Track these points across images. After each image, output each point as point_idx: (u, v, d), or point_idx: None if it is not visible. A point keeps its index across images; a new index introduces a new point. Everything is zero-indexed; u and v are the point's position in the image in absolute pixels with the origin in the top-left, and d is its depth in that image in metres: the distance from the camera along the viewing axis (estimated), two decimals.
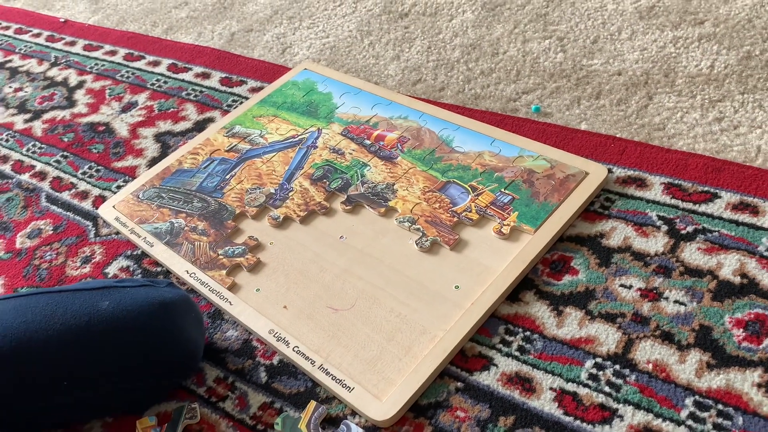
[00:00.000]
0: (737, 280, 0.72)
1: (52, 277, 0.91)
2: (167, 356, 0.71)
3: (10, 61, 1.42)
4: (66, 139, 1.16)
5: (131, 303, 0.70)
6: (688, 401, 0.64)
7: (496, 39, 1.13)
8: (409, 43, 1.17)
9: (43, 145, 1.16)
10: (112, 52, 1.36)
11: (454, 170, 0.90)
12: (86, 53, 1.37)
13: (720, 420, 0.62)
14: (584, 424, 0.64)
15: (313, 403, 0.70)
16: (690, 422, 0.62)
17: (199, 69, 1.24)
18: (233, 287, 0.83)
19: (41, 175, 1.10)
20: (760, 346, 0.66)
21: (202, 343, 0.76)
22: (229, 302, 0.81)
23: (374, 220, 0.87)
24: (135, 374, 0.70)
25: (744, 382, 0.64)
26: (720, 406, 0.63)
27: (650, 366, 0.67)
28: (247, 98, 1.14)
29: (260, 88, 1.15)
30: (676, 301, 0.71)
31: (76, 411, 0.72)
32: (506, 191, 0.85)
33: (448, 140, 0.94)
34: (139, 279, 0.82)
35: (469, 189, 0.87)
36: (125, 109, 1.19)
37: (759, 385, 0.63)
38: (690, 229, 0.77)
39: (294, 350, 0.75)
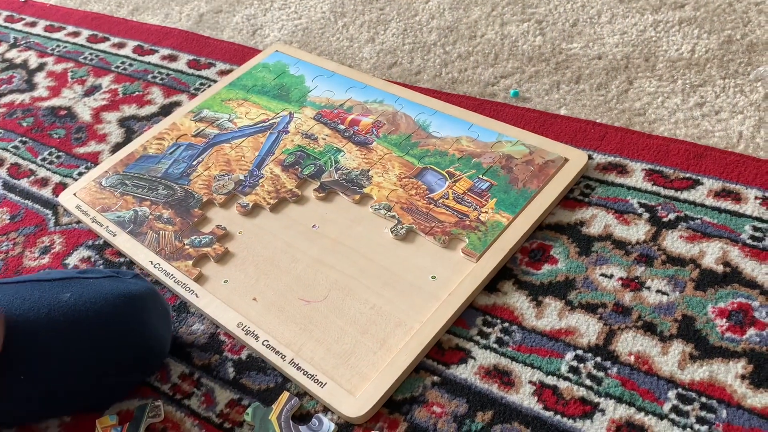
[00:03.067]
0: (720, 268, 0.70)
1: (9, 269, 0.87)
2: (132, 352, 0.68)
3: None
4: (25, 124, 1.10)
5: (94, 295, 0.66)
6: (671, 394, 0.62)
7: (474, 21, 1.10)
8: (385, 25, 1.14)
9: (0, 130, 1.10)
10: (75, 34, 1.30)
11: (431, 156, 0.87)
12: (47, 34, 1.31)
13: (703, 413, 0.60)
14: (565, 419, 0.62)
15: (286, 394, 0.67)
16: (673, 416, 0.60)
17: (165, 51, 1.19)
18: (200, 278, 0.79)
19: None
20: (744, 337, 0.64)
21: (168, 338, 0.72)
22: (196, 294, 0.78)
23: (348, 207, 0.84)
24: (97, 371, 0.66)
25: (727, 373, 0.62)
26: (703, 399, 0.61)
27: (632, 358, 0.65)
28: (215, 81, 1.09)
29: (229, 71, 1.11)
30: (658, 291, 0.69)
31: (33, 409, 0.68)
32: (484, 177, 0.83)
33: (424, 125, 0.91)
34: (104, 270, 0.78)
35: (447, 175, 0.84)
36: (88, 93, 1.14)
37: (743, 377, 0.62)
38: (672, 216, 0.76)
39: (263, 344, 0.72)
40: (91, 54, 1.23)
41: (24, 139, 1.07)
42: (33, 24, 1.36)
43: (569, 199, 0.80)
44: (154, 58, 1.18)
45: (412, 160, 0.87)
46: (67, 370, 0.65)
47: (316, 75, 1.04)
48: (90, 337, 0.65)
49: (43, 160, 1.03)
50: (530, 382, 0.65)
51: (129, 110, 1.08)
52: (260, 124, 0.98)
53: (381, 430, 0.64)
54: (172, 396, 0.71)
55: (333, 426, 0.65)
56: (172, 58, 1.17)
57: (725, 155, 0.80)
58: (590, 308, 0.69)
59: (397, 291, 0.74)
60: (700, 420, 0.60)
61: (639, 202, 0.78)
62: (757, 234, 0.72)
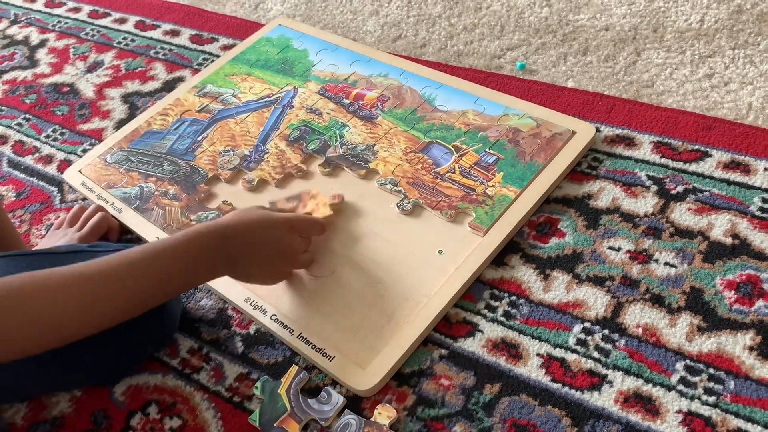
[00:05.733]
0: (728, 240, 0.70)
1: None
2: (141, 325, 0.68)
3: None
4: (28, 101, 1.10)
5: None
6: (679, 366, 0.62)
7: None
8: None
9: (3, 107, 1.10)
10: (76, 9, 1.29)
11: (437, 130, 0.86)
12: (48, 10, 1.30)
13: (711, 384, 0.60)
14: (573, 391, 0.62)
15: (294, 368, 0.68)
16: (681, 387, 0.61)
17: (168, 26, 1.18)
18: None
19: (2, 139, 1.04)
20: (752, 309, 0.64)
21: (178, 313, 0.73)
22: None
23: (354, 182, 0.84)
24: (106, 343, 0.66)
25: (735, 345, 0.62)
26: (711, 370, 0.61)
27: (640, 330, 0.65)
28: (218, 56, 1.08)
29: (232, 46, 1.10)
30: (666, 263, 0.69)
31: (42, 381, 0.69)
32: (491, 151, 0.82)
33: (430, 99, 0.90)
34: (113, 244, 0.78)
35: (453, 149, 0.83)
36: (90, 69, 1.13)
37: (751, 348, 0.62)
38: (680, 188, 0.75)
39: (271, 318, 0.72)
40: (92, 30, 1.22)
41: (27, 116, 1.07)
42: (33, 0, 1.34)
43: (577, 172, 0.80)
44: (156, 34, 1.17)
45: (418, 135, 0.86)
46: (77, 342, 0.65)
47: (320, 49, 1.03)
48: None
49: (47, 137, 1.02)
50: (538, 354, 0.65)
51: (132, 86, 1.08)
52: (264, 99, 0.97)
53: (389, 402, 0.65)
54: (181, 371, 0.71)
55: (342, 399, 0.65)
56: (175, 33, 1.16)
57: (734, 127, 0.80)
58: (598, 281, 0.69)
59: (404, 265, 0.74)
60: (708, 391, 0.60)
61: (647, 175, 0.77)
62: (766, 206, 0.71)
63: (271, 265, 0.71)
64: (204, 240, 0.64)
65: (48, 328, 0.57)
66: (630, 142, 0.81)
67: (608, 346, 0.65)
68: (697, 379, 0.61)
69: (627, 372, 0.62)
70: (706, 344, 0.63)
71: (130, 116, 1.02)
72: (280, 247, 0.70)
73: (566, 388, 0.63)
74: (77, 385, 0.71)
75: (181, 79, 1.06)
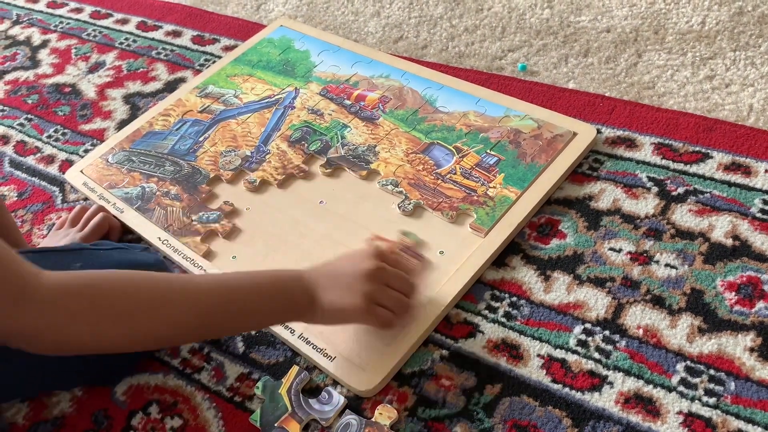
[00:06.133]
0: (729, 242, 0.70)
1: None
2: None
3: None
4: (30, 101, 1.10)
5: (104, 265, 0.66)
6: (680, 367, 0.62)
7: None
8: None
9: (5, 108, 1.10)
10: (78, 10, 1.29)
11: (438, 131, 0.86)
12: (50, 11, 1.30)
13: (712, 385, 0.60)
14: (573, 392, 0.62)
15: (295, 368, 0.68)
16: (681, 388, 0.61)
17: (169, 27, 1.18)
18: (208, 254, 0.80)
19: (4, 139, 1.04)
20: (753, 310, 0.64)
21: None
22: (204, 270, 0.78)
23: (355, 183, 0.84)
24: None
25: (736, 346, 0.62)
26: (712, 372, 0.61)
27: (640, 331, 0.65)
28: (220, 57, 1.09)
29: (234, 47, 1.10)
30: (666, 265, 0.69)
31: (44, 378, 0.69)
32: (492, 152, 0.82)
33: (431, 100, 0.91)
34: (114, 243, 0.78)
35: (454, 150, 0.83)
36: (92, 70, 1.13)
37: (751, 350, 0.62)
38: (681, 190, 0.75)
39: None
40: (94, 30, 1.22)
41: (29, 116, 1.07)
42: (35, 0, 1.34)
43: (578, 173, 0.80)
44: (157, 34, 1.17)
45: (419, 136, 0.86)
46: None
47: (322, 50, 1.03)
48: None
49: (49, 137, 1.02)
50: (539, 355, 0.65)
51: (134, 87, 1.08)
52: (266, 100, 0.97)
53: (390, 402, 0.65)
54: (182, 370, 0.71)
55: (342, 399, 0.65)
56: (176, 34, 1.16)
57: (735, 128, 0.80)
58: (599, 282, 0.69)
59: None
60: (709, 392, 0.60)
61: (648, 176, 0.77)
62: (767, 207, 0.71)
63: (354, 290, 0.63)
64: (287, 277, 0.64)
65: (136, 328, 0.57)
66: (631, 144, 0.81)
67: (609, 347, 0.65)
68: (697, 380, 0.61)
69: (627, 373, 0.63)
70: (707, 345, 0.63)
71: (132, 117, 1.02)
72: (363, 270, 0.63)
73: (567, 389, 0.63)
74: (77, 384, 0.72)
75: (182, 80, 1.06)
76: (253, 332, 0.73)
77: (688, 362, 0.62)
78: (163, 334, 0.59)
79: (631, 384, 0.62)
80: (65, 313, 0.53)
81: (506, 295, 0.71)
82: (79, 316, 0.54)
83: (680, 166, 0.77)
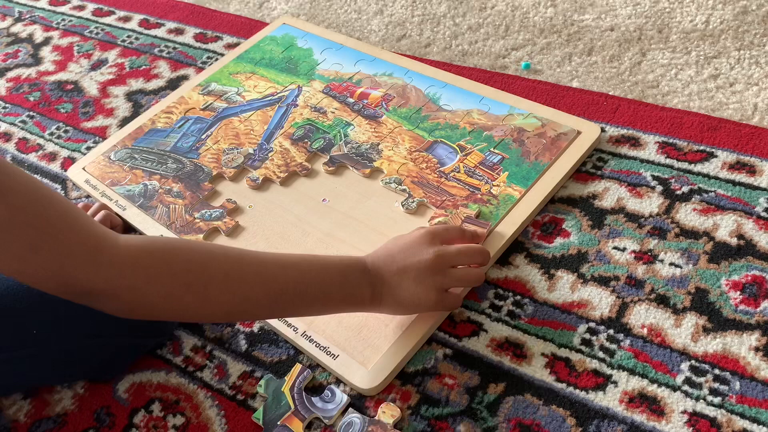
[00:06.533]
0: (734, 241, 0.69)
1: None
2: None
3: None
4: (32, 99, 1.10)
5: None
6: (684, 366, 0.62)
7: None
8: None
9: (7, 105, 1.10)
10: (80, 7, 1.29)
11: (442, 129, 0.86)
12: (52, 8, 1.30)
13: (716, 385, 0.60)
14: (577, 391, 0.62)
15: (298, 366, 0.68)
16: (686, 387, 0.60)
17: (172, 24, 1.18)
18: None
19: (6, 137, 1.04)
20: (758, 309, 0.64)
21: None
22: None
23: (358, 181, 0.84)
24: (108, 331, 0.66)
25: (741, 345, 0.62)
26: (716, 371, 0.61)
27: (645, 330, 0.65)
28: (222, 54, 1.08)
29: (237, 44, 1.10)
30: (671, 264, 0.69)
31: (44, 373, 0.69)
32: (496, 151, 0.82)
33: (434, 98, 0.90)
34: None
35: (458, 149, 0.83)
36: (95, 67, 1.13)
37: (756, 349, 0.62)
38: (685, 189, 0.75)
39: None
40: (96, 27, 1.22)
41: (31, 113, 1.07)
42: None
43: (582, 172, 0.79)
44: (160, 32, 1.17)
45: (423, 134, 0.86)
46: (79, 329, 0.65)
47: (325, 48, 1.03)
48: None
49: (51, 134, 1.02)
50: (542, 354, 0.65)
51: (136, 84, 1.07)
52: (269, 98, 0.97)
53: (393, 401, 0.64)
54: (184, 368, 0.71)
55: (345, 397, 0.65)
56: (179, 32, 1.16)
57: (740, 127, 0.79)
58: (603, 281, 0.69)
59: None
60: (713, 392, 0.60)
61: (652, 175, 0.77)
62: None
63: (423, 284, 0.63)
64: (355, 268, 0.64)
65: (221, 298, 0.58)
66: (635, 143, 0.81)
67: (613, 346, 0.64)
68: (702, 379, 0.61)
69: (632, 372, 0.62)
70: (712, 345, 0.63)
71: (134, 114, 1.02)
72: (425, 261, 0.64)
73: (571, 388, 0.62)
74: (77, 379, 0.71)
75: (185, 78, 1.06)
76: (255, 330, 0.72)
77: (693, 361, 0.62)
78: (234, 309, 0.60)
79: (635, 383, 0.62)
80: (142, 273, 0.54)
81: (510, 294, 0.70)
82: (154, 279, 0.55)
83: (685, 165, 0.77)
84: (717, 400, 0.59)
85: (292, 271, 0.61)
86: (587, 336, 0.66)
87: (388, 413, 0.63)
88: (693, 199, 0.74)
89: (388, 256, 0.65)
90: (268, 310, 0.63)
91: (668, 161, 0.78)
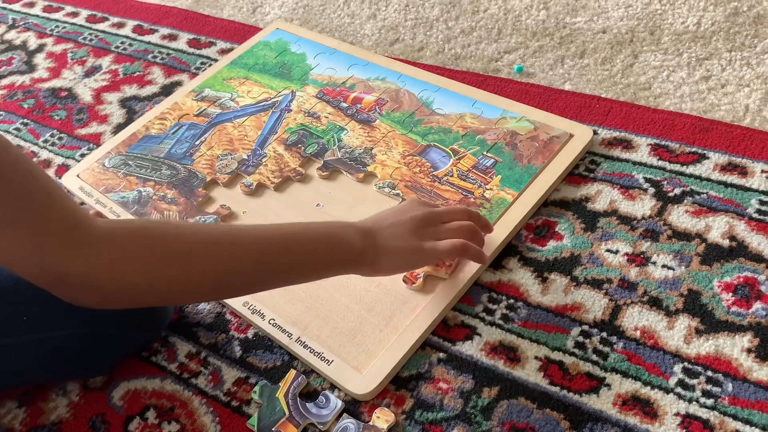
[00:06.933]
0: (726, 243, 0.70)
1: None
2: (134, 310, 0.67)
3: None
4: (26, 106, 1.10)
5: None
6: (677, 368, 0.62)
7: None
8: (386, 1, 1.12)
9: (1, 113, 1.10)
10: (74, 14, 1.29)
11: (435, 133, 0.86)
12: (46, 15, 1.30)
13: (709, 387, 0.60)
14: (571, 394, 0.62)
15: (293, 372, 0.68)
16: (679, 390, 0.61)
17: (165, 30, 1.18)
18: None
19: None
20: (750, 311, 0.64)
21: None
22: None
23: (352, 186, 0.84)
24: (97, 318, 0.65)
25: (733, 347, 0.62)
26: (709, 373, 0.61)
27: (638, 333, 0.65)
28: (216, 60, 1.09)
29: (230, 50, 1.10)
30: (663, 266, 0.69)
31: (32, 368, 0.68)
32: (488, 154, 0.82)
33: (428, 102, 0.91)
34: None
35: (451, 152, 0.83)
36: (88, 74, 1.13)
37: (749, 350, 0.62)
38: (678, 191, 0.75)
39: (270, 323, 0.72)
40: (90, 34, 1.22)
41: (25, 120, 1.07)
42: (31, 4, 1.34)
43: (574, 174, 0.80)
44: (154, 38, 1.17)
45: (416, 138, 0.86)
46: (69, 318, 0.65)
47: (318, 52, 1.03)
48: None
49: (45, 141, 1.02)
50: (536, 357, 0.65)
51: (130, 90, 1.08)
52: (262, 103, 0.97)
53: (388, 406, 0.65)
54: (179, 375, 0.71)
55: (340, 403, 0.65)
56: (172, 38, 1.16)
57: (731, 129, 0.80)
58: (596, 284, 0.69)
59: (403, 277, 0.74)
60: (706, 393, 0.60)
61: (644, 177, 0.77)
62: (764, 208, 0.71)
63: (413, 233, 0.65)
64: (342, 225, 0.65)
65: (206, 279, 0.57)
66: (627, 145, 0.81)
67: (606, 349, 0.65)
68: (695, 381, 0.61)
69: (625, 375, 0.62)
70: (704, 346, 0.63)
71: (128, 120, 1.02)
72: (416, 216, 0.66)
73: (564, 391, 0.63)
74: (64, 377, 0.71)
75: (179, 84, 1.06)
76: (249, 336, 0.73)
77: (686, 363, 0.62)
78: (220, 279, 0.58)
79: (628, 386, 0.62)
80: (120, 251, 0.52)
81: (503, 298, 0.71)
82: (133, 255, 0.53)
83: (677, 167, 0.77)
84: (710, 401, 0.59)
85: (275, 233, 0.61)
86: (580, 339, 0.66)
87: (382, 418, 0.63)
88: (685, 200, 0.74)
89: (378, 218, 0.67)
90: (257, 277, 0.60)
91: (660, 163, 0.78)
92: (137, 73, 1.11)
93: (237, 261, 0.58)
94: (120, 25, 1.22)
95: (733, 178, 0.75)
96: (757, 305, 0.65)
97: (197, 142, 0.94)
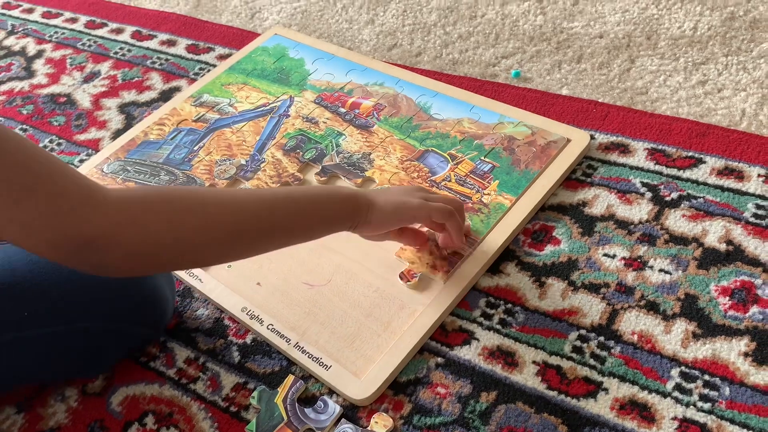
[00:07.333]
0: (723, 247, 0.70)
1: None
2: (130, 298, 0.67)
3: None
4: (25, 112, 1.10)
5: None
6: (674, 372, 0.62)
7: (474, 1, 1.09)
8: (384, 6, 1.13)
9: (0, 118, 1.10)
10: (73, 20, 1.29)
11: (433, 138, 0.87)
12: (45, 21, 1.31)
13: (706, 391, 0.60)
14: (568, 398, 0.62)
15: (291, 378, 0.68)
16: (676, 394, 0.61)
17: (164, 36, 1.19)
18: None
19: None
20: (746, 315, 0.65)
21: (171, 297, 0.72)
22: (200, 279, 0.78)
23: None
24: (96, 312, 0.66)
25: (730, 351, 0.63)
26: (706, 377, 0.61)
27: (635, 337, 0.65)
28: (215, 66, 1.09)
29: (229, 55, 1.10)
30: (660, 270, 0.69)
31: (29, 367, 0.68)
32: (486, 159, 0.82)
33: (425, 107, 0.91)
34: None
35: (448, 157, 0.84)
36: (87, 80, 1.13)
37: (746, 354, 0.62)
38: (674, 195, 0.75)
39: (268, 328, 0.72)
40: (89, 40, 1.22)
41: (24, 126, 1.07)
42: (30, 10, 1.35)
43: (571, 179, 0.80)
44: (152, 44, 1.18)
45: (414, 143, 0.87)
46: (67, 313, 0.65)
47: (316, 58, 1.03)
48: (88, 277, 0.59)
49: (44, 147, 1.02)
50: (534, 362, 0.65)
51: (129, 96, 1.08)
52: (261, 108, 0.97)
53: (386, 411, 0.65)
54: (177, 380, 0.71)
55: (338, 408, 0.65)
56: (171, 43, 1.16)
57: (728, 133, 0.80)
58: (593, 288, 0.70)
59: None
60: (703, 398, 0.60)
61: (641, 182, 0.78)
62: (760, 212, 0.72)
63: (408, 195, 0.70)
64: (341, 187, 0.72)
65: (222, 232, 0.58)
66: (624, 149, 0.81)
67: (604, 354, 0.65)
68: (692, 385, 0.61)
69: (622, 379, 0.63)
70: (701, 351, 0.63)
71: (127, 126, 1.02)
72: (410, 188, 0.73)
73: (562, 396, 0.63)
74: (65, 374, 0.71)
75: (177, 89, 1.07)
76: (248, 341, 0.73)
77: (683, 368, 0.62)
78: (236, 228, 0.59)
79: (626, 390, 0.62)
80: (140, 205, 0.53)
81: (501, 302, 0.71)
82: (153, 208, 0.54)
83: (673, 172, 0.78)
84: (707, 406, 0.60)
85: (282, 189, 0.68)
86: (578, 343, 0.66)
87: (380, 423, 0.63)
88: (682, 205, 0.74)
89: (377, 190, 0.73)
90: (270, 226, 0.61)
91: (657, 168, 0.79)
92: (136, 78, 1.11)
93: (249, 209, 0.60)
94: (119, 31, 1.23)
95: (730, 183, 0.75)
96: (754, 309, 0.65)
97: (196, 148, 0.94)
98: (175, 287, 0.76)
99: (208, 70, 1.08)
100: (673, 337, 0.64)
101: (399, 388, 0.66)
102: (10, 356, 0.66)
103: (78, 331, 0.67)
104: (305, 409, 0.66)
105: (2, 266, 0.64)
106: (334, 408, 0.65)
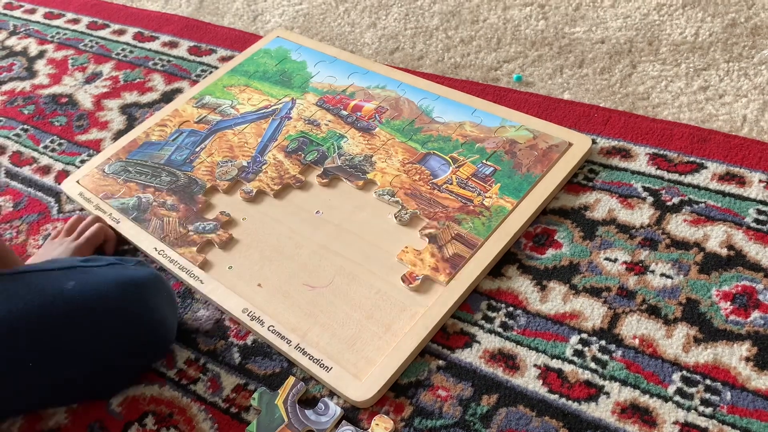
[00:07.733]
0: (724, 252, 0.70)
1: None
2: (137, 338, 0.68)
3: None
4: (26, 112, 1.10)
5: (98, 282, 0.66)
6: (676, 377, 0.62)
7: (476, 6, 1.09)
8: (386, 10, 1.13)
9: (1, 118, 1.10)
10: (75, 21, 1.29)
11: (434, 141, 0.87)
12: (47, 21, 1.31)
13: (708, 395, 0.60)
14: (570, 402, 0.62)
15: (291, 379, 0.68)
16: (677, 398, 0.61)
17: (166, 38, 1.19)
18: (204, 265, 0.80)
19: (0, 150, 1.04)
20: (748, 319, 0.65)
21: (174, 323, 0.73)
22: (200, 280, 0.78)
23: (352, 193, 0.84)
24: (104, 357, 0.67)
25: (732, 356, 0.63)
26: (708, 381, 0.61)
27: (637, 341, 0.65)
28: (216, 68, 1.09)
29: (231, 57, 1.10)
30: (662, 275, 0.69)
31: (43, 395, 0.68)
32: (488, 162, 0.82)
33: (427, 110, 0.91)
34: (107, 258, 0.78)
35: (450, 160, 0.84)
36: (89, 80, 1.13)
37: (747, 359, 0.62)
38: (676, 200, 0.76)
39: (269, 329, 0.72)
40: (91, 41, 1.22)
41: (25, 126, 1.07)
42: (32, 11, 1.35)
43: (573, 183, 0.80)
44: (154, 45, 1.18)
45: (416, 146, 0.87)
46: (75, 356, 0.65)
47: (318, 61, 1.03)
48: (94, 324, 0.65)
49: (45, 147, 1.02)
50: (535, 365, 0.65)
51: (130, 97, 1.08)
52: (263, 110, 0.98)
53: (387, 413, 0.64)
54: (178, 381, 0.71)
55: (339, 410, 0.65)
56: (173, 45, 1.17)
57: (729, 139, 0.80)
58: (595, 292, 0.70)
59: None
60: (705, 402, 0.60)
61: (643, 186, 0.78)
62: (762, 217, 0.72)
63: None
64: None
65: None
66: (626, 154, 0.82)
67: (605, 357, 0.65)
68: (693, 390, 0.61)
69: (624, 383, 0.63)
70: (703, 355, 0.63)
71: (129, 127, 1.02)
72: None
73: (563, 399, 0.63)
74: (74, 401, 0.71)
75: (179, 91, 1.07)
76: (248, 342, 0.73)
77: (684, 372, 0.62)
78: None
79: (627, 394, 0.62)
80: None
81: (502, 305, 0.71)
82: None
83: (675, 177, 0.78)
84: (708, 410, 0.60)
85: None
86: (579, 347, 0.66)
87: (381, 426, 0.63)
88: (683, 210, 0.74)
89: None
90: None
91: (659, 172, 0.79)
92: (138, 79, 1.11)
93: None
94: (121, 32, 1.23)
95: (731, 188, 0.75)
96: (756, 314, 0.65)
97: (197, 149, 0.94)
98: (177, 304, 0.75)
99: (210, 72, 1.08)
100: (675, 342, 0.64)
101: (400, 390, 0.66)
102: (18, 402, 0.67)
103: (84, 374, 0.67)
104: (306, 410, 0.65)
105: (6, 315, 0.64)
106: (335, 410, 0.65)
